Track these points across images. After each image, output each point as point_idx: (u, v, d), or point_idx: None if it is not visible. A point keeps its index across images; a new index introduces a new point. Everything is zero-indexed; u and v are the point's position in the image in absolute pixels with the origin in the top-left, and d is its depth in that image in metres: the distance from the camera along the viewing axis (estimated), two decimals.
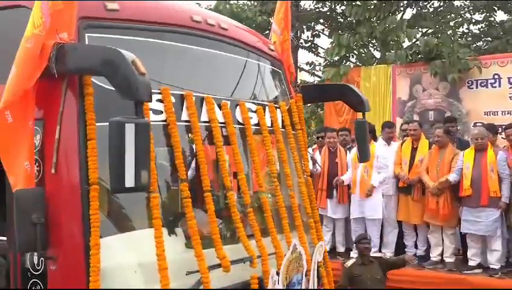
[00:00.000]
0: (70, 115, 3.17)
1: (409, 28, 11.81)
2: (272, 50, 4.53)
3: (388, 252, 7.68)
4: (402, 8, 13.98)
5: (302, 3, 15.41)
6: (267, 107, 4.16)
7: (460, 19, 15.09)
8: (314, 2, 15.10)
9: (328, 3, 14.50)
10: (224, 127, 3.81)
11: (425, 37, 11.25)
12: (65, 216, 3.16)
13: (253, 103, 4.10)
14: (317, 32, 15.24)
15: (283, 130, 4.29)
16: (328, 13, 14.82)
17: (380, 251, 7.73)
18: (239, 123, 3.93)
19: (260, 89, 4.39)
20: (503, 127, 8.14)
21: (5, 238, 3.38)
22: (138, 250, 3.31)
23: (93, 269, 3.01)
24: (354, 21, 12.89)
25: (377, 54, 14.76)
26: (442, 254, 7.43)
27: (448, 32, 14.18)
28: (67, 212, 3.16)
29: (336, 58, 13.10)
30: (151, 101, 3.07)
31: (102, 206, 3.19)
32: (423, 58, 10.18)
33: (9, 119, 3.05)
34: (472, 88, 9.52)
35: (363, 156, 4.39)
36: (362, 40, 13.35)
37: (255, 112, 4.06)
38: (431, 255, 7.46)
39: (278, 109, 4.28)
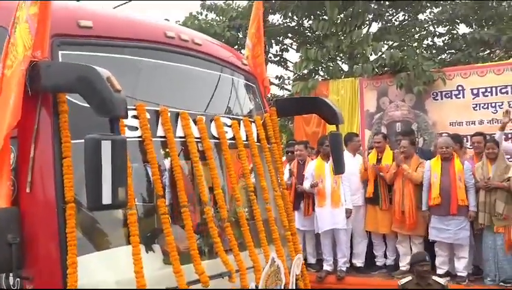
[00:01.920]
0: (44, 133, 3.14)
1: (374, 42, 12.04)
2: (246, 65, 4.57)
3: (359, 263, 7.77)
4: (368, 22, 14.24)
5: (270, 17, 15.58)
6: (241, 122, 4.19)
7: (424, 32, 15.44)
8: (282, 16, 15.29)
9: (295, 18, 14.68)
10: (200, 142, 3.82)
11: (391, 50, 11.49)
12: (41, 235, 3.11)
13: (228, 117, 4.12)
14: (285, 46, 15.39)
15: (258, 144, 4.32)
16: (296, 27, 14.99)
17: (350, 261, 7.82)
18: (214, 138, 3.94)
19: (235, 103, 4.42)
20: (469, 136, 8.41)
21: None
22: (116, 268, 3.28)
23: (70, 288, 2.97)
24: (321, 35, 13.07)
25: (345, 67, 14.97)
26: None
27: (413, 45, 14.48)
28: (43, 231, 3.11)
29: (305, 71, 13.24)
30: (127, 117, 3.06)
31: (78, 224, 3.15)
32: (389, 71, 10.37)
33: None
34: (437, 99, 9.71)
35: (339, 168, 4.45)
36: (330, 53, 13.53)
37: (230, 126, 4.08)
38: (400, 264, 7.56)
39: (253, 123, 4.31)
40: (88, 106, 3.21)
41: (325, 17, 13.99)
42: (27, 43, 3.09)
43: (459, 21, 14.87)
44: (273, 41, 14.87)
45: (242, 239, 3.88)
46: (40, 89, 3.12)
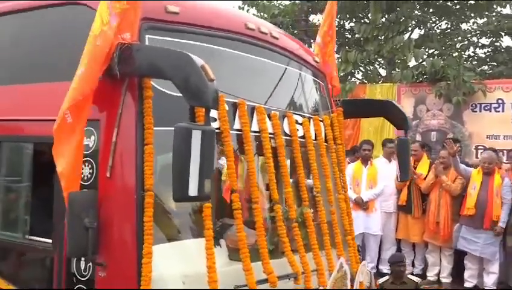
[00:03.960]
0: (128, 117, 3.07)
1: (416, 48, 11.91)
2: (317, 62, 4.47)
3: (385, 269, 7.71)
4: (410, 28, 14.06)
5: (311, 18, 15.48)
6: (311, 120, 4.09)
7: (466, 42, 15.21)
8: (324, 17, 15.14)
9: (337, 20, 14.55)
10: (273, 138, 3.73)
11: (432, 58, 11.33)
12: (118, 222, 3.06)
13: (299, 114, 4.02)
14: None
15: (325, 144, 4.22)
16: (337, 29, 14.85)
17: (377, 267, 7.79)
18: (286, 135, 3.85)
19: (305, 101, 4.32)
20: (505, 151, 8.27)
21: (50, 240, 3.26)
22: (187, 260, 3.20)
23: (144, 278, 2.91)
24: (362, 38, 12.96)
25: (383, 72, 14.82)
26: (439, 274, 7.52)
27: (454, 55, 14.28)
28: (120, 218, 3.06)
29: (342, 74, 13.18)
30: (217, 108, 2.98)
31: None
32: (428, 79, 10.29)
33: (68, 120, 2.94)
34: (476, 111, 9.68)
35: (404, 174, 4.34)
36: (369, 57, 13.44)
37: (301, 124, 3.98)
38: (428, 274, 7.57)
39: (321, 123, 4.21)
40: (171, 93, 3.20)
41: (366, 20, 13.85)
42: (105, 18, 3.01)
43: (503, 34, 14.61)
44: (312, 41, 14.76)
45: (306, 240, 3.78)
46: (129, 72, 3.05)
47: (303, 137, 3.97)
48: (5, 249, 3.57)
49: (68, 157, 2.98)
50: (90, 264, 3.06)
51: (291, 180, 3.83)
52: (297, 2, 15.33)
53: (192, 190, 2.69)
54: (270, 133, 3.70)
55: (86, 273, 3.09)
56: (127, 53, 3.02)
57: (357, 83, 13.19)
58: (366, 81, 13.95)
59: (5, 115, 3.59)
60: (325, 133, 4.24)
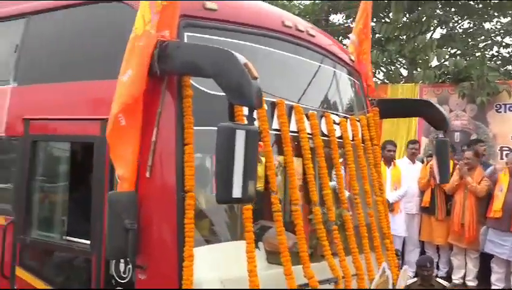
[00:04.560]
0: (168, 116, 3.00)
1: (438, 48, 11.76)
2: (353, 61, 4.37)
3: (409, 271, 7.57)
4: (432, 28, 13.88)
5: (331, 17, 15.38)
6: (348, 120, 3.99)
7: (490, 42, 14.96)
8: (344, 16, 15.05)
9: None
10: (311, 138, 3.64)
11: (455, 58, 11.18)
12: (158, 223, 2.99)
13: (336, 114, 3.93)
14: (345, 46, 15.15)
15: (362, 144, 4.12)
16: None
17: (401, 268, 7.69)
18: (323, 135, 3.76)
19: (342, 100, 4.22)
20: None
21: (88, 241, 3.20)
22: (226, 263, 3.12)
23: (185, 281, 2.84)
24: (383, 38, 12.84)
25: (404, 72, 14.65)
26: (464, 277, 7.40)
27: (477, 55, 14.07)
28: (161, 219, 2.99)
29: None
30: (261, 107, 2.90)
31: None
32: (451, 79, 10.16)
33: (122, 123, 2.88)
34: (500, 112, 9.56)
35: (443, 176, 4.22)
36: (390, 57, 13.28)
37: (338, 124, 3.88)
38: (453, 277, 7.45)
39: (358, 123, 4.11)
40: (210, 91, 3.12)
41: (387, 20, 13.71)
42: (147, 17, 2.95)
43: None
44: None
45: (345, 244, 3.68)
46: (168, 70, 2.98)
47: (339, 137, 3.87)
48: (43, 250, 3.52)
49: (127, 160, 2.93)
50: (130, 266, 2.98)
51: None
52: (317, 2, 15.26)
53: (237, 192, 2.61)
54: (308, 134, 3.61)
55: (125, 276, 3.02)
56: (166, 51, 2.96)
57: (379, 83, 13.04)
58: (387, 82, 13.79)
59: (43, 114, 3.54)
60: (362, 134, 4.13)
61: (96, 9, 3.48)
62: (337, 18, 15.63)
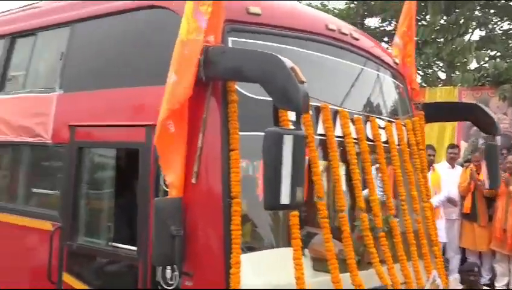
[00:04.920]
0: (213, 122, 2.98)
1: (477, 50, 11.50)
2: (397, 64, 4.28)
3: (451, 278, 7.39)
4: (470, 30, 13.58)
5: (366, 21, 15.23)
6: (394, 124, 3.90)
7: None
8: (380, 20, 14.89)
9: (393, 22, 14.22)
10: (357, 143, 3.57)
11: (494, 60, 10.92)
12: (204, 230, 2.96)
13: (381, 119, 3.84)
14: None
15: (408, 149, 4.01)
16: (393, 32, 14.54)
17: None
18: (368, 140, 3.68)
19: (386, 104, 4.13)
20: None
21: (134, 248, 3.20)
22: (273, 270, 3.07)
23: (233, 289, 2.79)
24: (420, 41, 12.62)
25: (442, 76, 14.39)
26: (508, 285, 7.18)
27: None
28: (207, 226, 2.96)
29: None
30: (308, 112, 2.85)
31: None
32: (491, 82, 9.92)
33: (171, 129, 2.87)
34: None
35: (493, 181, 4.08)
36: (428, 60, 13.05)
37: (384, 128, 3.80)
38: (496, 284, 7.24)
39: (403, 127, 4.01)
40: (254, 97, 3.09)
41: (424, 22, 13.50)
42: (191, 24, 2.94)
43: None
44: None
45: (392, 251, 3.58)
46: (213, 75, 2.96)
47: (385, 142, 3.78)
48: (89, 255, 3.54)
49: (176, 167, 2.92)
50: (177, 273, 2.96)
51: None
52: (352, 5, 15.14)
53: (284, 198, 2.57)
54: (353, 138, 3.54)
55: (171, 282, 3.00)
56: (211, 56, 2.94)
57: None
58: (425, 85, 13.55)
59: (88, 121, 3.57)
60: (407, 138, 4.03)
61: (140, 15, 3.49)
62: (372, 22, 15.48)
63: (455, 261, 7.50)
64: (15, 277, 4.00)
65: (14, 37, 4.43)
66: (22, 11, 4.80)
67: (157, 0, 3.41)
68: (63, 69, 3.88)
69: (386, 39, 14.77)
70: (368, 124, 3.69)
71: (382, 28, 14.99)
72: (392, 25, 14.61)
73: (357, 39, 3.86)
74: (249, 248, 3.06)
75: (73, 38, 3.88)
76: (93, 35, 3.81)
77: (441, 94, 10.51)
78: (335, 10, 15.06)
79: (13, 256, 4.00)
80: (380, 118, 3.82)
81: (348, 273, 3.21)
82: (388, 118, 3.93)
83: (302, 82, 2.68)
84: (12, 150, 4.31)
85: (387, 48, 15.15)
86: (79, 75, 3.81)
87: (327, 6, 15.28)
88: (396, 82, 4.25)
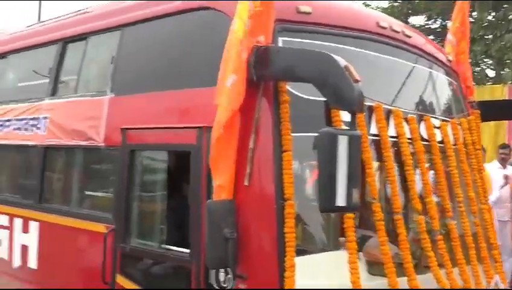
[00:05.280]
0: (265, 123, 2.94)
1: None
2: (450, 61, 4.15)
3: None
4: None
5: (411, 19, 14.97)
6: (449, 124, 3.78)
7: None
8: (425, 18, 14.63)
9: (439, 20, 13.96)
10: (411, 143, 3.46)
11: None
12: (257, 232, 2.93)
13: (436, 118, 3.72)
14: None
15: (465, 149, 3.87)
16: (439, 30, 14.26)
17: None
18: (423, 140, 3.57)
19: (441, 103, 4.01)
20: None
21: (187, 250, 3.19)
22: (328, 274, 3.00)
23: None
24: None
25: (491, 73, 13.97)
26: None
27: None
28: (260, 228, 2.92)
29: None
30: (363, 111, 2.77)
31: None
32: None
33: (220, 130, 2.86)
34: None
35: None
36: (476, 58, 12.70)
37: (439, 128, 3.68)
38: None
39: (459, 126, 3.87)
40: (306, 97, 3.04)
41: (471, 19, 13.13)
42: (243, 23, 2.91)
43: None
44: None
45: (450, 255, 3.45)
46: (265, 76, 2.93)
47: (440, 142, 3.66)
48: (142, 257, 3.56)
49: (225, 169, 2.90)
50: (230, 275, 2.93)
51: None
52: (395, 4, 14.91)
53: (341, 200, 2.51)
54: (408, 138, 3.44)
55: (225, 285, 2.97)
56: (262, 56, 2.90)
57: None
58: (473, 83, 13.19)
59: (139, 124, 3.59)
60: (463, 138, 3.90)
61: (189, 17, 3.49)
62: (417, 20, 15.20)
63: (509, 264, 7.23)
64: (69, 277, 4.07)
65: (66, 42, 4.51)
66: (72, 17, 4.89)
67: (207, 1, 3.40)
68: (114, 73, 3.92)
69: (431, 37, 14.47)
70: (422, 123, 3.58)
71: (427, 26, 14.69)
72: (437, 22, 14.33)
73: (409, 36, 3.76)
74: (301, 251, 3.01)
75: (124, 42, 3.92)
76: (143, 38, 3.83)
77: (490, 92, 10.18)
78: (378, 9, 14.85)
79: (67, 257, 4.07)
80: (434, 117, 3.71)
81: (405, 278, 3.12)
82: (443, 117, 3.81)
83: (357, 81, 2.62)
84: (66, 153, 4.39)
85: None
86: (130, 78, 3.84)
87: (370, 5, 15.07)
88: (450, 80, 4.12)
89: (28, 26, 6.11)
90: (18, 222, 4.55)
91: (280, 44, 3.09)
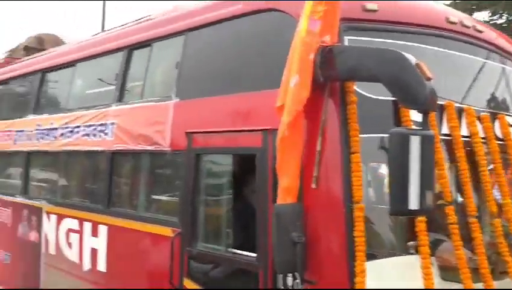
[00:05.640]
0: (332, 124, 2.88)
1: None
2: None
3: None
4: None
5: (475, 15, 14.45)
6: None
7: None
8: (490, 13, 14.11)
9: (504, 15, 13.41)
10: (485, 143, 3.31)
11: None
12: (326, 236, 2.86)
13: (511, 115, 3.55)
14: None
15: None
16: (505, 25, 13.70)
17: None
18: (497, 139, 3.40)
19: None
20: None
21: (254, 254, 3.17)
22: (399, 279, 2.89)
23: None
24: None
25: None
26: None
27: None
28: (329, 232, 2.86)
29: None
30: (436, 111, 2.67)
31: None
32: None
33: (285, 132, 2.83)
34: None
35: None
36: None
37: None
38: None
39: None
40: (374, 97, 2.96)
41: None
42: (308, 23, 2.86)
43: None
44: None
45: None
46: (331, 76, 2.87)
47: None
48: (209, 261, 3.56)
49: (291, 171, 2.86)
50: (298, 280, 2.89)
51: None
52: (457, 1, 14.44)
53: (413, 203, 2.42)
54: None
55: None
56: (329, 56, 2.85)
57: None
58: None
59: (204, 128, 3.60)
60: None
61: (254, 20, 3.47)
62: (481, 15, 14.64)
63: None
64: (137, 280, 4.13)
65: (131, 49, 4.60)
66: (136, 24, 4.99)
67: (272, 2, 3.38)
68: (178, 78, 3.96)
69: None
70: (497, 122, 3.42)
71: (492, 22, 14.13)
72: (503, 17, 13.76)
73: (480, 31, 3.60)
74: (370, 255, 2.92)
75: (188, 47, 3.95)
76: (207, 42, 3.84)
77: None
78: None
79: (135, 260, 4.13)
80: (509, 115, 3.53)
81: (480, 284, 2.98)
82: None
83: (429, 79, 2.53)
84: (133, 158, 4.48)
85: None
86: (194, 83, 3.87)
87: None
88: None
89: (93, 35, 6.31)
90: (87, 226, 4.67)
91: (346, 43, 3.02)
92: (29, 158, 5.93)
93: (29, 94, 6.28)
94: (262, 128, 3.16)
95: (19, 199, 5.95)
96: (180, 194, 3.75)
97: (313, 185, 2.86)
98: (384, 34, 3.16)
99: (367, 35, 3.11)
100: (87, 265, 4.65)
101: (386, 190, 2.95)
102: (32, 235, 5.56)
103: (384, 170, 3.07)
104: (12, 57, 7.95)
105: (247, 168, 3.27)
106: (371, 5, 3.12)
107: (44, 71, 6.04)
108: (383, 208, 2.99)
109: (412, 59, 2.57)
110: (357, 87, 2.91)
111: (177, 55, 4.01)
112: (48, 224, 5.27)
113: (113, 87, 4.71)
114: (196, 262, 3.58)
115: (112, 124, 4.49)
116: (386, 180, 2.97)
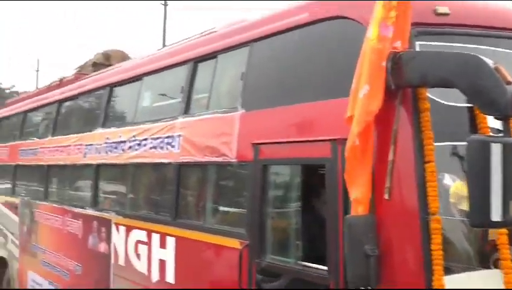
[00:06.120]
0: (405, 133, 2.78)
1: None
2: None
3: None
4: None
5: None
6: None
7: None
8: None
9: None
10: None
11: None
12: (400, 249, 2.76)
13: None
14: None
15: None
16: None
17: None
18: None
19: None
20: None
21: (325, 267, 3.09)
22: None
23: None
24: None
25: None
26: None
27: None
28: (403, 245, 2.75)
29: None
30: None
31: None
32: None
33: (355, 142, 2.76)
34: None
35: None
36: None
37: None
38: None
39: None
40: (448, 103, 2.85)
41: None
42: (378, 30, 2.79)
43: None
44: None
45: None
46: (403, 83, 2.78)
47: None
48: (278, 274, 3.51)
49: (362, 182, 2.78)
50: None
51: None
52: None
53: (496, 214, 2.30)
54: None
55: None
56: (400, 63, 2.76)
57: None
58: None
59: (271, 138, 3.58)
60: None
61: (320, 28, 3.42)
62: None
63: None
64: None
65: (196, 62, 4.65)
66: (201, 37, 5.05)
67: (338, 10, 3.32)
68: (244, 89, 3.95)
69: None
70: None
71: None
72: None
73: None
74: (447, 269, 2.79)
75: (253, 57, 3.94)
76: (272, 53, 3.83)
77: None
78: None
79: (203, 272, 4.14)
80: None
81: None
82: None
83: (509, 83, 2.40)
84: (200, 169, 4.50)
85: None
86: (260, 93, 3.85)
87: None
88: None
89: (158, 50, 6.44)
90: (155, 238, 4.72)
91: (417, 49, 2.93)
92: (98, 171, 6.09)
93: (98, 108, 6.47)
94: (331, 138, 3.10)
95: (89, 211, 6.12)
96: (248, 206, 3.73)
97: (386, 196, 2.77)
98: (457, 37, 3.04)
99: (439, 40, 3.00)
100: (155, 277, 4.70)
101: (453, 199, 2.87)
102: (102, 247, 5.70)
103: (448, 180, 2.95)
104: (81, 72, 8.24)
105: (316, 178, 3.22)
106: (442, 9, 3.02)
107: (112, 86, 6.21)
108: (456, 220, 2.87)
109: (490, 62, 2.45)
110: (429, 93, 2.82)
111: (242, 66, 4.01)
112: (117, 235, 5.38)
113: (179, 99, 4.78)
114: (265, 274, 3.53)
115: (179, 136, 4.54)
116: (452, 190, 2.87)
